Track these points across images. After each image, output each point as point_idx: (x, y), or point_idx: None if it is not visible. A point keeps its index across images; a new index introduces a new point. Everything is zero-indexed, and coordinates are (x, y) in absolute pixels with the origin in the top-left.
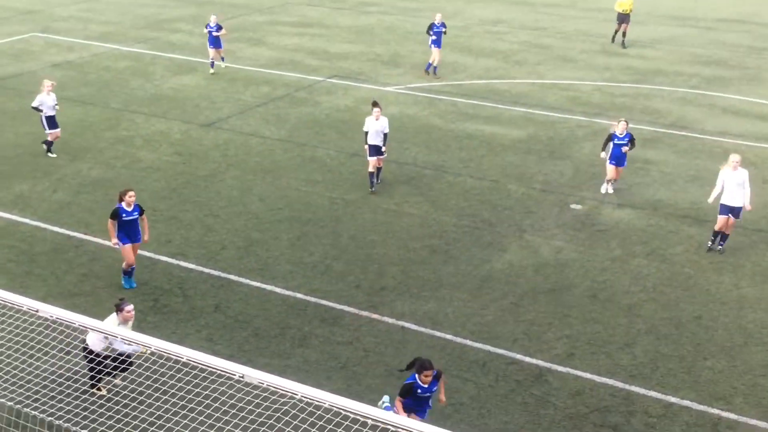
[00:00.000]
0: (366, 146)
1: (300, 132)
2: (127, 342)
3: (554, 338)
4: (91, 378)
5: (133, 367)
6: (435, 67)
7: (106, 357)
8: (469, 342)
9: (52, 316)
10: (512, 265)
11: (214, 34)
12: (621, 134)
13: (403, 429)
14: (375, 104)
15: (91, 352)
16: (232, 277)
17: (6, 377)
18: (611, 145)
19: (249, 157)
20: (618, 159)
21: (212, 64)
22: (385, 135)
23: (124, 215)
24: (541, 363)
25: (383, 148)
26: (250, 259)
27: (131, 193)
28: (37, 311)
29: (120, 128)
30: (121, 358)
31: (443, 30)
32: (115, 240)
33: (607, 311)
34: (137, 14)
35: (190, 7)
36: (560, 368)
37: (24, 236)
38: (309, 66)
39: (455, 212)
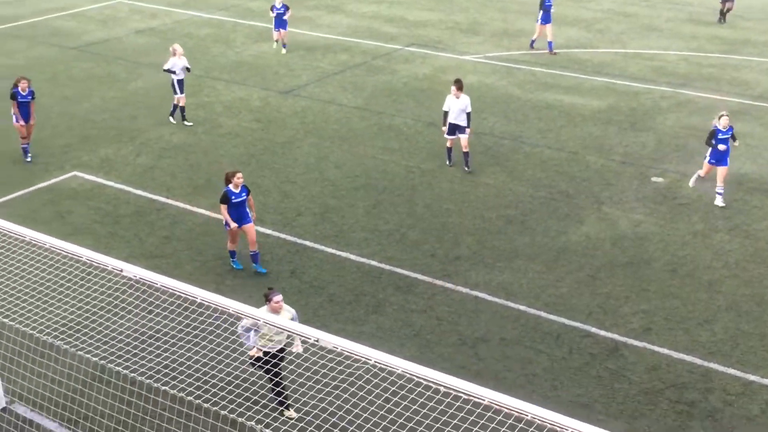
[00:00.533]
0: (444, 127)
1: (377, 100)
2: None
3: (630, 312)
4: (273, 386)
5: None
6: (549, 42)
7: (264, 355)
8: (543, 314)
9: (135, 276)
10: (589, 238)
11: (284, 17)
12: (724, 128)
13: (477, 398)
14: (456, 82)
15: (257, 359)
16: (307, 243)
17: (92, 333)
18: (714, 142)
19: (326, 124)
20: (720, 156)
21: (284, 45)
22: (468, 114)
23: (233, 198)
24: (616, 337)
25: (468, 129)
26: (326, 226)
27: (239, 174)
28: (121, 271)
29: (201, 94)
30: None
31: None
32: (233, 224)
33: (687, 286)
34: None
35: None
36: (636, 343)
37: (109, 198)
38: (387, 34)
39: (532, 183)
